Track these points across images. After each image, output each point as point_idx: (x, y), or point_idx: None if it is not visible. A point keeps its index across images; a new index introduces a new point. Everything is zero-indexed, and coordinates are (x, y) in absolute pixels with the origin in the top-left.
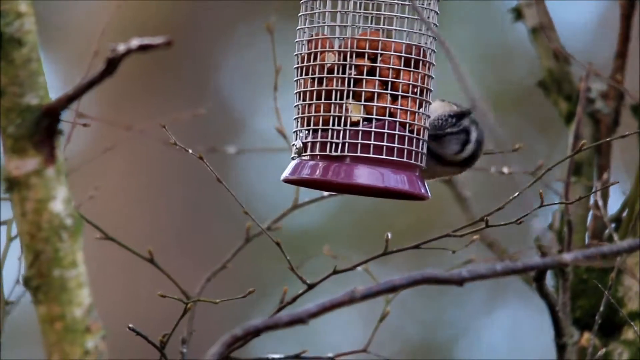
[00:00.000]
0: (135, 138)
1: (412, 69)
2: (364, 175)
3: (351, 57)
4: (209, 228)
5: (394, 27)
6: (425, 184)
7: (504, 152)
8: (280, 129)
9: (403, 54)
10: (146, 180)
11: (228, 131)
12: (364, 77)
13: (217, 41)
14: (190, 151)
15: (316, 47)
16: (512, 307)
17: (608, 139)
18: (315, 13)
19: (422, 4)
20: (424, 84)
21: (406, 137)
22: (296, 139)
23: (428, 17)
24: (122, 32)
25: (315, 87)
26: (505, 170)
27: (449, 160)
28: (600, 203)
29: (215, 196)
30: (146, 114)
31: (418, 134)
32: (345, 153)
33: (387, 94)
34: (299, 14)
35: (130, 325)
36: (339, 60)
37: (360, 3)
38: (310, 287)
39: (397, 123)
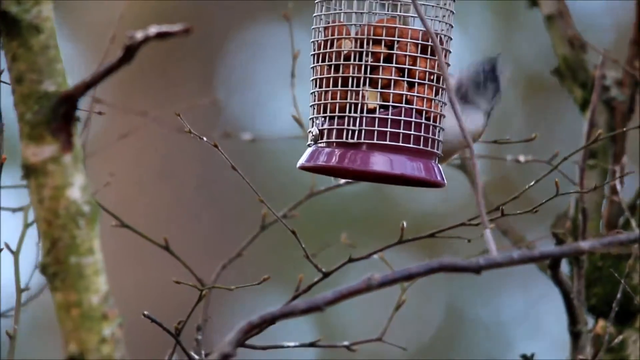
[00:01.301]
0: (150, 125)
1: (428, 56)
2: (380, 162)
3: (368, 44)
4: (224, 215)
5: (410, 14)
6: (442, 171)
7: (516, 142)
8: (296, 117)
9: (420, 41)
10: (160, 167)
11: (244, 118)
12: (381, 64)
13: (231, 27)
14: (205, 139)
15: (333, 34)
16: (526, 294)
17: (624, 129)
18: (332, 0)
19: (438, 3)
20: (440, 71)
21: (422, 125)
22: (312, 126)
23: (443, 16)
24: (137, 19)
25: (332, 74)
26: (522, 158)
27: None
28: (618, 188)
29: (230, 183)
30: (160, 100)
31: (434, 121)
32: (362, 140)
33: (403, 81)
34: (316, 1)
35: (146, 312)
36: (355, 47)
37: None
38: (326, 275)
39: (414, 110)
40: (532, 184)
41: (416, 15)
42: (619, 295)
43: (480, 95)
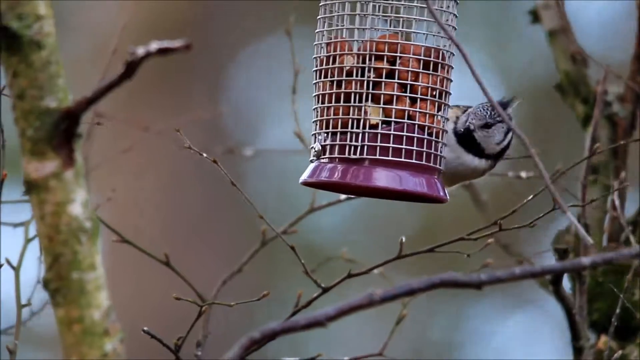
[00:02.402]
0: (151, 139)
1: (430, 72)
2: (382, 178)
3: (370, 60)
4: (225, 231)
5: (412, 30)
6: (444, 187)
7: (521, 158)
8: (298, 133)
9: (422, 57)
10: (161, 182)
11: (245, 133)
12: (383, 79)
13: (233, 41)
14: (204, 155)
15: (335, 50)
16: (528, 310)
17: (623, 142)
18: (334, 16)
19: (441, 7)
20: (442, 86)
21: (425, 140)
22: (315, 142)
23: (447, 20)
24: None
25: (334, 90)
26: (524, 174)
27: (489, 151)
28: (617, 203)
29: (231, 198)
30: (161, 113)
31: (437, 136)
32: (364, 156)
33: (405, 96)
34: (318, 17)
35: (145, 328)
36: (357, 63)
37: (379, 6)
38: (325, 290)
39: (416, 126)
40: (529, 198)
41: (418, 31)
42: (617, 311)
43: (489, 136)
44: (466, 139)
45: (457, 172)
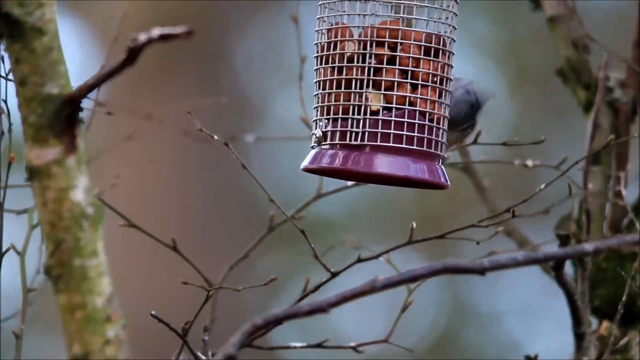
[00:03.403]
0: (155, 126)
1: (432, 58)
2: (383, 164)
3: (371, 46)
4: (231, 217)
5: (413, 16)
6: (445, 173)
7: (525, 144)
8: (304, 119)
9: (423, 43)
10: (166, 169)
11: (247, 119)
12: (384, 66)
13: (235, 28)
14: (216, 137)
15: (336, 36)
16: (530, 295)
17: (630, 137)
18: (335, 2)
19: (441, 5)
20: (443, 72)
21: (426, 126)
22: (316, 128)
23: (447, 19)
24: (140, 20)
25: (335, 76)
26: (530, 163)
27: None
28: (624, 192)
29: (237, 184)
30: (164, 100)
31: (438, 123)
32: (365, 142)
33: (407, 83)
34: (319, 3)
35: (153, 312)
36: (359, 49)
37: None
38: (334, 275)
39: (417, 112)
40: (542, 187)
41: (419, 17)
42: (624, 297)
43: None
44: None
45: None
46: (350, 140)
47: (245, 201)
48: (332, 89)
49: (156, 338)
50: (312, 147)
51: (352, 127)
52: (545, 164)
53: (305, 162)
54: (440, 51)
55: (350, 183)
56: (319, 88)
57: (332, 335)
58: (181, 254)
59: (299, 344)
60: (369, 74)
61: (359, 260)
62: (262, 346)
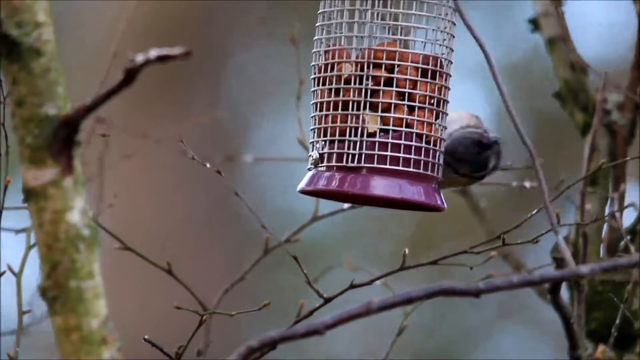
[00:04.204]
0: (151, 146)
1: (429, 80)
2: (380, 186)
3: (368, 67)
4: (227, 239)
5: (411, 38)
6: (442, 195)
7: (524, 168)
8: (301, 140)
9: (420, 65)
10: (162, 189)
11: (245, 139)
12: (381, 87)
13: (234, 46)
14: (208, 165)
15: (333, 58)
16: (525, 319)
17: (627, 159)
18: (332, 24)
19: (439, 14)
20: (440, 95)
21: (423, 149)
22: (313, 150)
23: (444, 28)
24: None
25: (332, 98)
26: (527, 184)
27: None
28: (617, 215)
29: (233, 207)
30: (162, 119)
31: (434, 145)
32: (362, 164)
33: (403, 105)
34: (317, 24)
35: (146, 337)
36: (356, 71)
37: (378, 14)
38: (327, 300)
39: (414, 134)
40: (534, 212)
41: (417, 39)
42: (617, 321)
43: (462, 163)
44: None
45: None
46: (347, 162)
47: (241, 223)
48: (329, 110)
49: None
50: (309, 169)
51: (349, 149)
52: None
53: (302, 184)
54: (438, 73)
55: (346, 206)
56: (316, 110)
57: (326, 356)
58: (176, 277)
59: None
60: (366, 96)
61: (352, 286)
62: None
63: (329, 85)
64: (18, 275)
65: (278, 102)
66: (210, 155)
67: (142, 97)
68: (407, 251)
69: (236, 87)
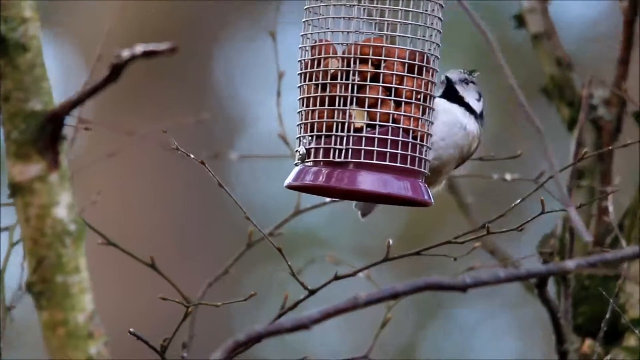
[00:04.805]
0: (137, 143)
1: (415, 75)
2: (367, 181)
3: (355, 63)
4: (211, 233)
5: (397, 34)
6: (429, 190)
7: (504, 158)
8: (282, 135)
9: (406, 61)
10: (147, 185)
11: (230, 136)
12: (368, 83)
13: (218, 44)
14: (192, 156)
15: (320, 53)
16: (512, 313)
17: (610, 148)
18: (319, 19)
19: (426, 10)
20: (427, 90)
21: (409, 144)
22: (299, 145)
23: (432, 24)
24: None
25: (319, 93)
26: (508, 177)
27: (473, 105)
28: (610, 208)
29: (217, 201)
30: (147, 117)
31: (421, 140)
32: (349, 159)
33: (390, 100)
34: (303, 20)
35: (131, 330)
36: (342, 66)
37: (364, 9)
38: (312, 292)
39: (401, 129)
40: (517, 202)
41: (402, 35)
42: (607, 315)
43: (468, 91)
44: (449, 91)
45: (455, 143)
46: (333, 157)
47: (225, 217)
48: (315, 106)
49: (135, 354)
50: (296, 164)
51: (335, 144)
52: (523, 177)
53: (288, 180)
54: (424, 69)
55: (328, 200)
56: (303, 105)
57: (312, 349)
58: (159, 271)
59: None
60: (352, 91)
61: (336, 278)
62: None
63: (315, 80)
64: (1, 272)
65: (263, 96)
66: (195, 152)
67: (125, 97)
68: (391, 242)
69: (220, 83)
